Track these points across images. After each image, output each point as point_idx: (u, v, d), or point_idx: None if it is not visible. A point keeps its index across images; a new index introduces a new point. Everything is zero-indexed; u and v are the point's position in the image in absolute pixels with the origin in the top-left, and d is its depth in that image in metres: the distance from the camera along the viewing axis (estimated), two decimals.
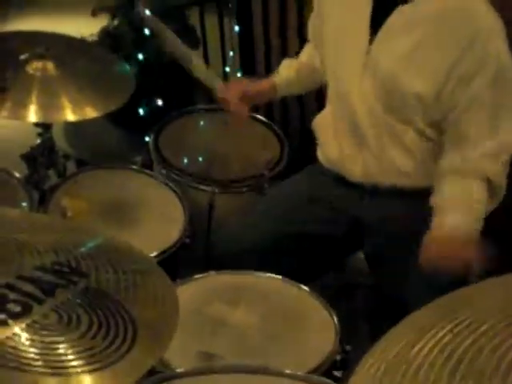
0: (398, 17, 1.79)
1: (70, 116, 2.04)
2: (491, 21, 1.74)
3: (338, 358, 1.63)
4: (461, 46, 1.72)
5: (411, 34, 1.78)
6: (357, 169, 1.97)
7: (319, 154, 2.11)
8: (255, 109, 3.00)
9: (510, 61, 1.74)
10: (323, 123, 2.08)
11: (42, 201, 2.10)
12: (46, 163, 2.34)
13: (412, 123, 1.85)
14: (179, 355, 1.55)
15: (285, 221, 2.04)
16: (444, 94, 1.76)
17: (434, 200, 1.80)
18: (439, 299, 0.84)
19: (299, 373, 1.53)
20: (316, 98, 2.70)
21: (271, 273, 1.86)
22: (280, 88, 2.26)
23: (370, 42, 1.84)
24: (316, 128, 2.10)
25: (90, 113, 2.07)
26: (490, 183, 1.78)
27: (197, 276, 1.86)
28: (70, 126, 3.29)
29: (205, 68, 2.36)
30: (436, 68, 1.75)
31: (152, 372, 1.44)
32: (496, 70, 1.72)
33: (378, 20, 1.82)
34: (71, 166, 2.63)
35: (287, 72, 2.25)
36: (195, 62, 2.31)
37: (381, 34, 1.82)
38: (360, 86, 1.86)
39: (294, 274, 1.87)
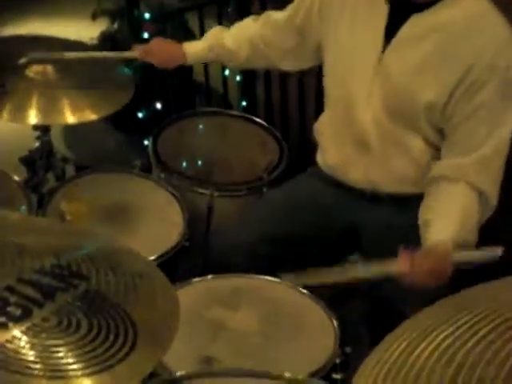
0: (411, 26, 1.79)
1: (70, 118, 2.04)
2: (502, 32, 1.74)
3: (338, 361, 1.63)
4: (470, 56, 1.72)
5: (424, 43, 1.78)
6: (358, 175, 1.97)
7: (319, 158, 2.10)
8: (254, 112, 3.01)
9: None
10: (324, 128, 2.08)
11: (41, 204, 2.10)
12: (45, 166, 2.34)
13: (420, 131, 1.85)
14: (179, 359, 1.54)
15: (281, 224, 2.03)
16: (451, 101, 1.76)
17: (423, 211, 1.79)
18: (441, 301, 0.85)
19: (299, 376, 1.53)
20: (316, 101, 2.70)
21: (267, 274, 1.86)
22: (190, 59, 2.27)
23: (383, 50, 1.83)
24: (316, 133, 2.10)
25: (90, 115, 2.07)
26: (481, 193, 1.77)
27: (196, 279, 1.86)
28: (68, 129, 3.29)
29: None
30: (447, 78, 1.75)
31: (152, 375, 1.44)
32: (504, 83, 1.72)
33: (392, 29, 1.82)
34: (70, 170, 2.63)
35: (203, 49, 2.24)
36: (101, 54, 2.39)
37: (394, 42, 1.82)
38: (368, 94, 1.86)
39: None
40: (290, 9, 2.11)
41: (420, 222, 1.78)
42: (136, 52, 2.27)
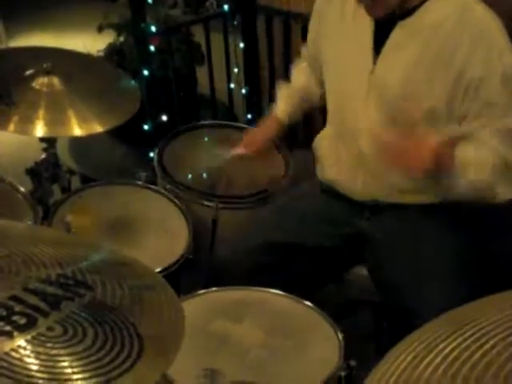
0: (399, 32, 1.80)
1: (77, 131, 2.05)
2: (490, 22, 1.73)
3: (343, 374, 1.62)
4: (463, 52, 1.71)
5: (414, 46, 1.78)
6: (356, 187, 1.98)
7: (318, 172, 2.11)
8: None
9: None
10: (323, 142, 2.09)
11: (46, 216, 2.10)
12: (51, 178, 2.34)
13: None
14: (182, 372, 1.53)
15: (285, 235, 2.03)
16: (455, 103, 1.76)
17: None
18: (447, 313, 0.84)
19: None
20: (322, 115, 2.70)
21: (269, 283, 1.86)
22: (286, 122, 2.29)
23: (374, 61, 1.84)
24: (316, 147, 2.11)
25: (97, 127, 2.08)
26: (503, 158, 1.73)
27: (200, 292, 1.85)
28: (74, 141, 3.30)
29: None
30: (443, 78, 1.75)
31: None
32: (502, 72, 1.71)
33: (380, 39, 1.83)
34: (75, 182, 2.63)
35: (289, 105, 2.27)
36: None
37: (384, 51, 1.82)
38: (365, 106, 1.87)
39: (293, 286, 1.87)
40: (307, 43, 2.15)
41: None
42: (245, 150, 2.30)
